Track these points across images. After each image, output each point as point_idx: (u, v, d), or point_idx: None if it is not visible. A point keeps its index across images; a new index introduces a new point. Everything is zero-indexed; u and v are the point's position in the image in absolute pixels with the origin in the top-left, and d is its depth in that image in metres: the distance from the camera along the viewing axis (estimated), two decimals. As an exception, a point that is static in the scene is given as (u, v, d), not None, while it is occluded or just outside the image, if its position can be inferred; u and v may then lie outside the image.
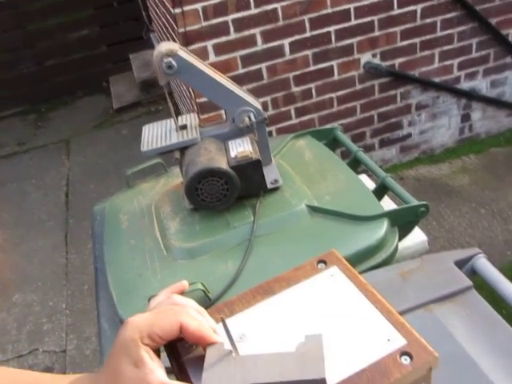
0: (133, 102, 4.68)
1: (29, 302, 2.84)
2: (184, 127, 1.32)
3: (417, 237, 1.38)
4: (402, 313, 0.91)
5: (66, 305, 2.79)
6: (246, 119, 1.26)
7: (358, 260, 1.16)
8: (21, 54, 5.07)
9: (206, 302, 1.08)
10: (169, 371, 0.60)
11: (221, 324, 0.58)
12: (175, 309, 0.57)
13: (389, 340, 0.57)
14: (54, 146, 4.45)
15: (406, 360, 0.54)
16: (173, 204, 1.40)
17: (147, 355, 0.53)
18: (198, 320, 0.56)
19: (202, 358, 0.57)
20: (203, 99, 2.53)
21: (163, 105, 4.44)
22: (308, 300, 0.65)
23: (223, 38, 2.43)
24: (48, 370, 2.40)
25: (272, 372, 0.53)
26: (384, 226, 1.22)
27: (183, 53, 1.16)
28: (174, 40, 2.57)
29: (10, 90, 5.10)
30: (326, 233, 1.23)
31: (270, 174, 1.36)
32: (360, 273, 1.02)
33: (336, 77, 2.73)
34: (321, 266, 0.70)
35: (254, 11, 2.41)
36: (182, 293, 0.64)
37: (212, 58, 2.47)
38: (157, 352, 0.57)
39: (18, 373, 0.60)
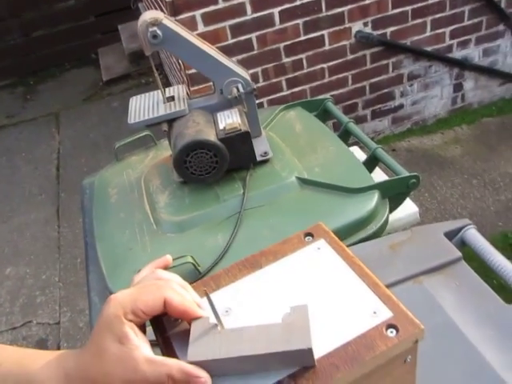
0: (122, 74, 4.60)
1: (21, 275, 2.84)
2: (172, 99, 1.30)
3: (408, 208, 1.38)
4: (391, 285, 0.91)
5: (59, 278, 2.79)
6: (234, 90, 1.24)
7: (349, 232, 1.16)
8: (7, 25, 4.94)
9: (196, 275, 1.08)
10: (154, 344, 0.59)
11: (206, 298, 0.58)
12: (158, 284, 0.56)
13: (375, 313, 0.56)
14: (43, 119, 4.39)
15: (391, 333, 0.54)
16: (162, 177, 1.38)
17: (131, 331, 0.52)
18: (181, 294, 0.56)
19: (187, 333, 0.56)
20: (193, 70, 2.49)
21: (154, 77, 4.37)
22: (295, 273, 0.64)
23: (211, 7, 2.38)
24: (42, 341, 2.42)
25: (258, 344, 0.52)
26: (374, 197, 1.21)
27: (168, 22, 1.13)
28: (162, 10, 2.51)
29: (-4, 61, 5.00)
30: (316, 205, 1.23)
31: (260, 146, 1.34)
32: (350, 245, 1.03)
33: (327, 47, 2.69)
34: (308, 239, 0.69)
35: (242, -21, 2.36)
36: (167, 267, 0.63)
37: (201, 28, 2.42)
38: (142, 327, 0.56)
39: (2, 349, 0.59)
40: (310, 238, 0.69)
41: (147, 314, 0.54)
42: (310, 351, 0.51)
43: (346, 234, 1.14)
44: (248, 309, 0.60)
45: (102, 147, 3.76)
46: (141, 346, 0.52)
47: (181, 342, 0.57)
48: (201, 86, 2.57)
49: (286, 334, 0.53)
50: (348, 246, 0.69)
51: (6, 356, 0.57)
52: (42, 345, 2.39)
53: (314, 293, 0.61)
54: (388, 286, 0.61)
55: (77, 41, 5.07)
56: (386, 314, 0.56)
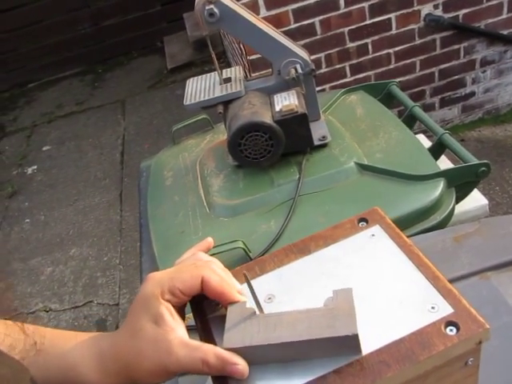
0: (186, 62, 4.64)
1: (85, 256, 2.94)
2: (228, 80, 1.27)
3: (477, 200, 1.28)
4: (453, 280, 0.84)
5: (120, 260, 2.86)
6: (293, 71, 1.19)
7: (410, 222, 1.09)
8: (78, 15, 5.11)
9: (246, 260, 1.05)
10: (193, 329, 0.57)
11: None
12: (197, 263, 0.54)
13: (433, 308, 0.51)
14: (110, 106, 4.51)
15: (451, 331, 0.48)
16: (217, 160, 1.36)
17: (168, 312, 0.50)
18: (219, 275, 0.53)
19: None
20: (254, 56, 2.45)
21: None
22: (345, 261, 0.59)
23: (275, -9, 2.32)
24: (101, 321, 2.49)
25: (298, 330, 0.48)
26: (440, 186, 1.13)
27: (226, -1, 1.10)
28: (225, -6, 2.49)
29: (68, 50, 5.18)
30: (376, 192, 1.16)
31: (318, 130, 1.29)
32: (411, 235, 0.96)
33: (394, 31, 2.57)
34: (362, 224, 0.64)
35: (306, -39, 2.28)
36: (209, 249, 0.61)
37: (263, 12, 2.37)
38: (181, 312, 0.54)
39: (36, 328, 0.58)
40: (364, 223, 0.64)
41: (185, 293, 0.52)
42: (355, 338, 0.47)
43: (407, 223, 1.07)
44: (292, 297, 0.56)
45: (164, 134, 3.82)
46: (176, 328, 0.50)
47: (220, 327, 0.54)
48: (262, 72, 2.53)
49: (329, 319, 0.48)
50: (408, 236, 0.63)
51: (48, 334, 0.56)
52: (101, 325, 2.46)
53: (366, 282, 0.55)
54: (450, 281, 0.55)
55: (144, 29, 5.16)
56: (445, 309, 0.50)
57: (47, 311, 2.63)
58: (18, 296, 2.77)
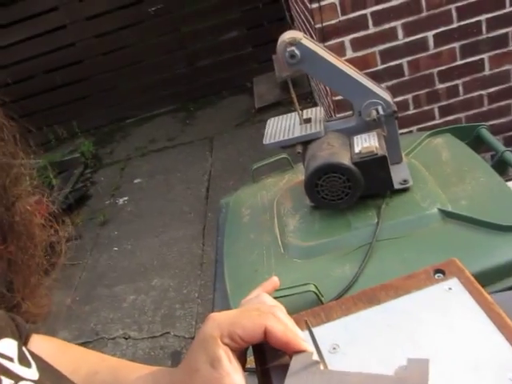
0: (274, 102, 4.74)
1: (165, 287, 3.01)
2: (308, 120, 1.27)
3: None
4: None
5: (199, 294, 2.90)
6: (374, 112, 1.17)
7: (494, 277, 1.01)
8: (175, 56, 5.42)
9: (318, 305, 1.02)
10: (252, 371, 0.55)
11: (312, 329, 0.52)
12: (261, 309, 0.52)
13: (513, 376, 0.46)
14: (199, 143, 4.69)
15: (533, 404, 0.43)
16: (294, 201, 1.35)
17: (225, 356, 0.49)
18: (284, 324, 0.51)
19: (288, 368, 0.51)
20: (339, 97, 2.45)
21: (303, 104, 4.44)
22: (418, 315, 0.56)
23: (361, 33, 2.33)
24: (176, 353, 2.52)
25: None
26: (531, 238, 1.05)
27: (307, 41, 1.11)
28: (312, 37, 2.53)
29: (163, 89, 5.49)
30: (460, 242, 1.10)
31: (399, 173, 1.25)
32: (493, 292, 0.88)
33: (487, 71, 2.47)
34: (438, 276, 0.60)
35: (394, 3, 2.27)
36: (275, 289, 0.59)
37: (349, 53, 2.38)
38: (242, 355, 0.53)
39: (99, 358, 0.60)
40: (441, 275, 0.60)
41: (245, 340, 0.50)
42: None
43: (490, 279, 0.99)
44: (358, 349, 0.53)
45: (249, 171, 3.87)
46: (232, 373, 0.49)
47: (281, 377, 0.52)
48: (346, 113, 2.52)
49: None
50: (490, 293, 0.58)
51: (104, 366, 0.58)
52: (175, 357, 2.49)
53: (438, 342, 0.51)
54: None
55: (235, 70, 5.36)
56: (528, 379, 0.45)
57: (126, 338, 2.71)
58: (101, 321, 2.88)
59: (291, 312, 0.56)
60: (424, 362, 0.46)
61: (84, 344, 2.75)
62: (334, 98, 2.49)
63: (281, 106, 4.65)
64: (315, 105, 4.06)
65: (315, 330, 0.54)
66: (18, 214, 0.47)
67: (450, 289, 0.58)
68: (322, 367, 0.50)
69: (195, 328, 2.65)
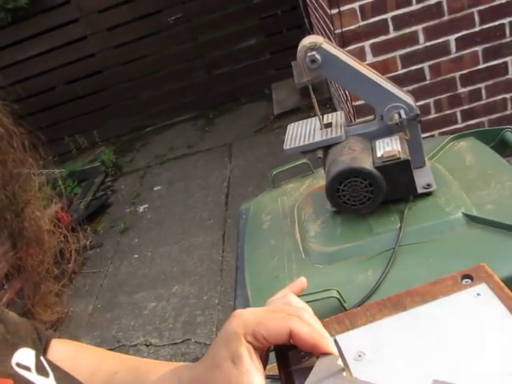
0: (293, 108, 4.74)
1: (186, 294, 3.01)
2: (329, 125, 1.26)
3: None
4: None
5: (219, 300, 2.90)
6: (396, 116, 1.15)
7: (524, 281, 0.98)
8: (193, 64, 5.46)
9: (341, 311, 1.00)
10: (275, 379, 0.54)
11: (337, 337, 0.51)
12: (287, 311, 0.52)
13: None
14: (218, 150, 4.70)
15: None
16: (315, 206, 1.34)
17: (247, 353, 0.49)
18: (311, 326, 0.50)
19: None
20: (359, 102, 2.44)
21: (323, 110, 4.42)
22: (445, 321, 0.54)
23: (382, 37, 2.31)
24: (197, 360, 2.50)
25: None
26: (561, 243, 1.02)
27: (328, 46, 1.10)
28: (331, 41, 2.52)
29: (183, 97, 5.53)
30: (486, 247, 1.07)
31: (422, 178, 1.23)
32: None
33: (510, 75, 2.43)
34: (466, 281, 0.58)
35: (415, 7, 2.25)
36: (302, 290, 0.59)
37: (369, 58, 2.36)
38: (264, 355, 0.52)
39: (119, 358, 0.60)
40: (469, 280, 0.59)
41: (268, 340, 0.50)
42: None
43: (521, 283, 0.97)
44: (383, 356, 0.52)
45: (268, 177, 3.86)
46: (252, 371, 0.48)
47: (303, 381, 0.51)
48: (366, 118, 2.50)
49: None
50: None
51: (123, 366, 0.58)
52: (196, 363, 2.48)
53: (467, 350, 0.50)
54: None
55: (253, 77, 5.38)
56: None
57: (147, 345, 2.71)
58: (122, 328, 2.89)
59: (314, 318, 0.55)
60: None
61: (105, 351, 2.76)
62: (354, 104, 2.48)
63: (299, 112, 4.64)
64: (334, 111, 4.03)
65: (340, 338, 0.53)
66: (27, 220, 0.48)
67: (478, 294, 0.56)
68: (345, 374, 0.48)
69: (216, 334, 2.64)
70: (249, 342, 0.49)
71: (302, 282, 0.60)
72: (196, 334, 2.69)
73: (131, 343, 2.76)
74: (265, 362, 0.53)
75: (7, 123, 0.48)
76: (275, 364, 0.56)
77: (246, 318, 0.51)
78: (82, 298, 3.28)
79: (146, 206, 4.17)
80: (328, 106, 4.32)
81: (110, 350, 2.80)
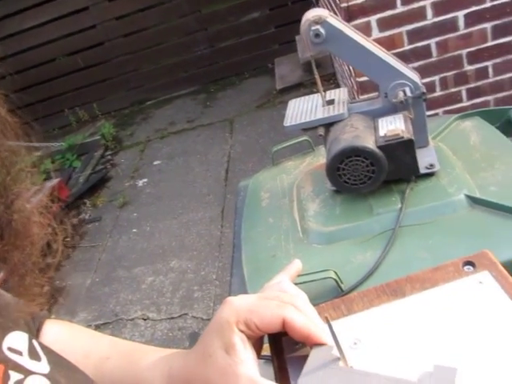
0: (296, 83, 4.67)
1: (184, 269, 3.01)
2: (331, 102, 1.22)
3: None
4: None
5: (217, 276, 2.89)
6: (401, 94, 1.11)
7: (526, 266, 0.96)
8: (195, 37, 5.35)
9: (338, 292, 0.99)
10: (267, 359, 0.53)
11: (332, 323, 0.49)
12: (282, 299, 0.50)
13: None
14: (219, 125, 4.65)
15: None
16: (315, 184, 1.32)
17: (240, 342, 0.47)
18: (305, 315, 0.49)
19: (305, 360, 0.48)
20: (363, 78, 2.39)
21: (326, 86, 4.34)
22: (445, 310, 0.52)
23: (388, 12, 2.25)
24: (195, 334, 2.52)
25: None
26: None
27: (333, 20, 1.06)
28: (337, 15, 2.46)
29: (184, 71, 5.44)
30: (488, 230, 1.05)
31: (426, 158, 1.20)
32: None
33: (519, 53, 2.37)
34: (468, 268, 0.56)
35: (424, -19, 2.19)
36: (298, 273, 0.57)
37: (375, 33, 2.30)
38: (258, 342, 0.51)
39: (112, 342, 0.58)
40: (471, 267, 0.56)
41: (261, 329, 0.48)
42: None
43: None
44: (381, 345, 0.50)
45: (269, 153, 3.83)
46: (246, 361, 0.47)
47: (297, 369, 0.49)
48: (370, 95, 2.46)
49: None
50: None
51: (116, 350, 0.56)
52: (193, 337, 2.49)
53: (468, 339, 0.48)
54: None
55: (256, 51, 5.29)
56: None
57: (145, 319, 2.72)
58: (120, 302, 2.90)
59: (310, 299, 0.53)
60: (451, 371, 0.43)
61: (103, 325, 2.77)
62: (358, 80, 2.43)
63: (302, 87, 4.58)
64: (338, 86, 3.97)
65: (335, 324, 0.51)
66: (17, 212, 0.45)
67: (480, 282, 0.54)
68: (341, 364, 0.46)
69: (213, 309, 2.65)
70: (241, 331, 0.48)
71: (297, 265, 0.58)
72: (193, 308, 2.70)
73: (129, 317, 2.76)
74: (259, 348, 0.51)
75: (1, 111, 0.45)
76: (268, 344, 0.54)
77: (238, 305, 0.49)
78: (80, 271, 3.29)
79: (146, 180, 4.15)
80: (331, 81, 4.25)
81: (108, 323, 2.81)
